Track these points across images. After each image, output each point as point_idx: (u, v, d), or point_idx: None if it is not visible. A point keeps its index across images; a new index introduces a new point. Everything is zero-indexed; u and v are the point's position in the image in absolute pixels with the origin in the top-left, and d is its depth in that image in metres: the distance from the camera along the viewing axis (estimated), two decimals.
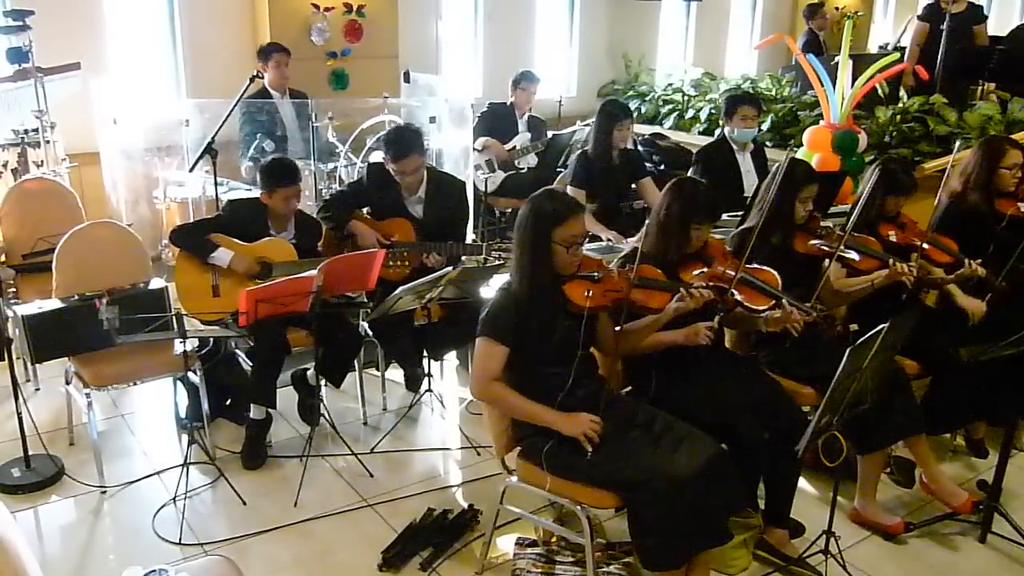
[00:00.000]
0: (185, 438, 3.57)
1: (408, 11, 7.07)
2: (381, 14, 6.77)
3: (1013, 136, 4.98)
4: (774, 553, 3.04)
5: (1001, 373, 3.28)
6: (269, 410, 3.70)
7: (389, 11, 6.84)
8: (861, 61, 6.13)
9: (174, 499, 3.33)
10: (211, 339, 3.79)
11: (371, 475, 3.58)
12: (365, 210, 4.13)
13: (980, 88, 7.16)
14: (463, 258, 4.09)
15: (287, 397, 3.96)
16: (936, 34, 7.06)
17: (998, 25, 9.53)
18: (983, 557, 3.17)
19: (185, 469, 3.35)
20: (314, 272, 3.35)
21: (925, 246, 3.52)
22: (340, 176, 5.61)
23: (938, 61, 6.94)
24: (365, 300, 4.05)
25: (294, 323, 3.68)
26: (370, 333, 4.00)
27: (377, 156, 5.07)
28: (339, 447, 3.74)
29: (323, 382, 3.89)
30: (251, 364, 3.72)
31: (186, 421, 3.74)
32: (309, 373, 3.94)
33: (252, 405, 3.67)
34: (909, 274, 3.29)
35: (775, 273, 3.03)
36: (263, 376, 3.62)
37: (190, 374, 3.64)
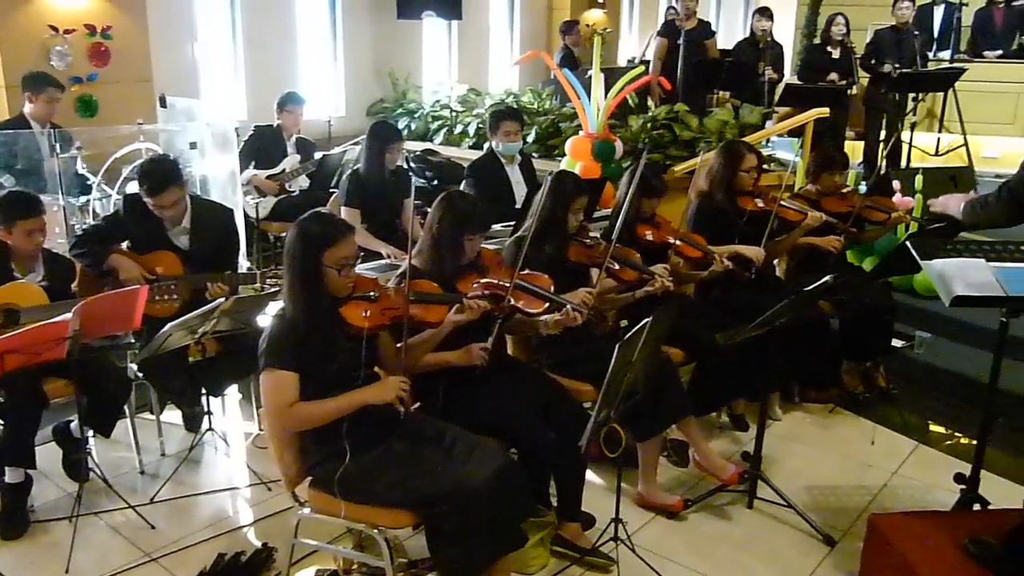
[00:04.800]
0: None
1: (160, 33, 6.68)
2: (129, 36, 6.36)
3: (745, 138, 5.53)
4: (569, 547, 3.17)
5: (752, 353, 3.61)
6: (28, 471, 3.37)
7: (138, 33, 6.43)
8: (611, 74, 6.57)
9: None
10: None
11: (152, 527, 3.36)
12: (125, 244, 3.87)
13: (715, 96, 7.87)
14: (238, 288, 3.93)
15: (49, 453, 3.63)
16: (674, 48, 7.75)
17: (726, 39, 10.58)
18: (752, 521, 3.48)
19: None
20: (69, 315, 3.09)
21: (678, 243, 3.85)
22: (94, 209, 5.20)
23: (679, 73, 7.58)
24: (132, 340, 3.79)
25: (51, 372, 3.37)
26: (140, 375, 3.75)
27: (134, 187, 4.76)
28: (114, 501, 3.47)
29: (90, 433, 3.60)
30: (2, 422, 3.37)
31: None
32: (73, 425, 3.63)
33: (7, 468, 3.33)
34: (660, 287, 3.54)
35: (547, 277, 3.16)
36: (18, 434, 3.29)
37: None
